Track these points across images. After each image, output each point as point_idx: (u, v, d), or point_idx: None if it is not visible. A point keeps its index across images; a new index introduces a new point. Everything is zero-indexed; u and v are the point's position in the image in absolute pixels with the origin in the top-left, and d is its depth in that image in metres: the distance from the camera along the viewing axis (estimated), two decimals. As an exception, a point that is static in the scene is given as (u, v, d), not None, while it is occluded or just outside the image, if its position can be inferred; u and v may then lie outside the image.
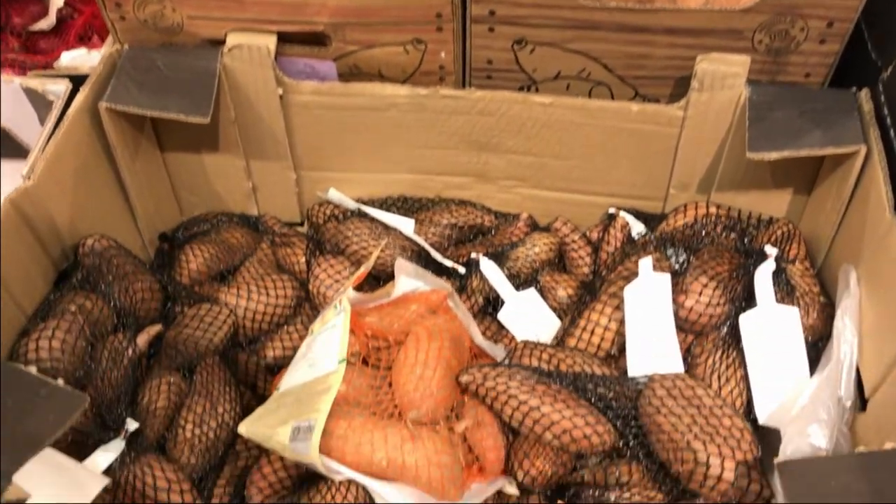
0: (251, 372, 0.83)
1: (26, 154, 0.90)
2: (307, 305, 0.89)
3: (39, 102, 0.89)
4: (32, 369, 0.61)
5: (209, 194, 0.95)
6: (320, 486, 0.68)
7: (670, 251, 0.80)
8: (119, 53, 0.82)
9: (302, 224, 1.00)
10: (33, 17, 1.07)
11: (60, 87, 0.86)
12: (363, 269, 0.76)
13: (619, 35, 0.79)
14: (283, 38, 0.83)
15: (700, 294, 0.73)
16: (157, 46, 0.83)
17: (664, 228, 0.84)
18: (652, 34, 0.79)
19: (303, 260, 0.91)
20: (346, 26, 0.81)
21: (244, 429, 0.70)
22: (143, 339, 0.73)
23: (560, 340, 0.78)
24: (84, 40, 1.10)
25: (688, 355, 0.74)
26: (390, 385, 0.73)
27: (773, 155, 0.73)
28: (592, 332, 0.75)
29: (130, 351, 0.71)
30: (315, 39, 0.83)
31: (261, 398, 0.79)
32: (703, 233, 0.79)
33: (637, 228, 0.87)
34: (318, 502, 0.67)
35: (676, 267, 0.78)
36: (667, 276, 0.74)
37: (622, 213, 0.89)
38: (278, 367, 0.84)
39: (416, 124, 0.87)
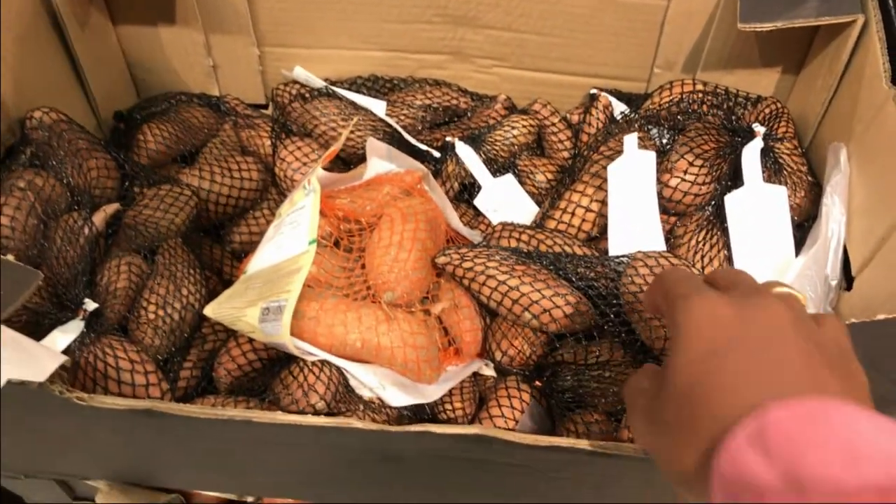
0: (216, 257, 0.79)
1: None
2: (274, 190, 0.85)
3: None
4: (-21, 244, 0.57)
5: (166, 72, 0.89)
6: (292, 368, 0.66)
7: (654, 130, 0.77)
8: None
9: (266, 106, 0.94)
10: None
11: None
12: (333, 149, 0.71)
13: None
14: None
15: (685, 172, 0.70)
16: None
17: (648, 107, 0.80)
18: None
19: (268, 142, 0.86)
20: None
21: (210, 311, 0.67)
22: (99, 218, 0.68)
23: (539, 224, 0.76)
24: None
25: (670, 236, 0.72)
26: (363, 267, 0.70)
27: (766, 26, 0.69)
28: (573, 214, 0.72)
29: (87, 229, 0.67)
30: None
31: (227, 284, 0.76)
32: (689, 111, 0.76)
33: (620, 109, 0.84)
34: (289, 383, 0.64)
35: (661, 146, 0.75)
36: (652, 154, 0.71)
37: (604, 94, 0.85)
38: (244, 253, 0.80)
39: (388, -5, 0.81)
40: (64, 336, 0.61)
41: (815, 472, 0.29)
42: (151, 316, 0.66)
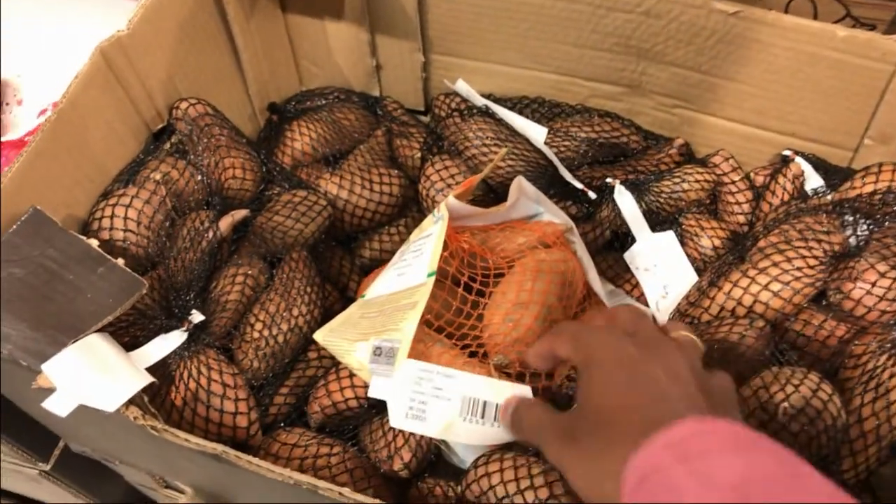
0: (345, 271, 0.76)
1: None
2: (415, 208, 0.81)
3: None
4: (94, 242, 0.56)
5: (331, 67, 0.86)
6: (383, 420, 0.61)
7: (848, 219, 0.65)
8: None
9: (425, 113, 0.90)
10: None
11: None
12: (473, 178, 0.66)
13: (841, -65, 0.62)
14: None
15: (874, 284, 0.58)
16: None
17: (846, 191, 0.68)
18: (886, -61, 0.61)
19: (418, 154, 0.82)
20: None
21: (321, 336, 0.64)
22: (225, 223, 0.67)
23: (691, 304, 0.66)
24: None
25: (844, 352, 0.60)
26: (478, 319, 0.63)
27: None
28: (733, 312, 0.62)
29: (211, 233, 0.65)
30: None
31: (348, 301, 0.72)
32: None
33: (813, 182, 0.72)
34: (377, 438, 0.60)
35: (852, 241, 0.63)
36: None
37: (798, 159, 0.73)
38: (373, 270, 0.77)
39: (568, 16, 0.73)
40: (164, 345, 0.60)
41: (722, 471, 0.35)
42: (256, 335, 0.63)
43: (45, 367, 0.49)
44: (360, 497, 0.48)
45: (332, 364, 0.66)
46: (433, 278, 0.60)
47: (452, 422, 0.57)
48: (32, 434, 0.73)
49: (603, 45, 0.75)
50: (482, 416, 0.57)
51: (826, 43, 0.66)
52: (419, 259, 0.62)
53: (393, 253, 0.72)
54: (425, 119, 0.88)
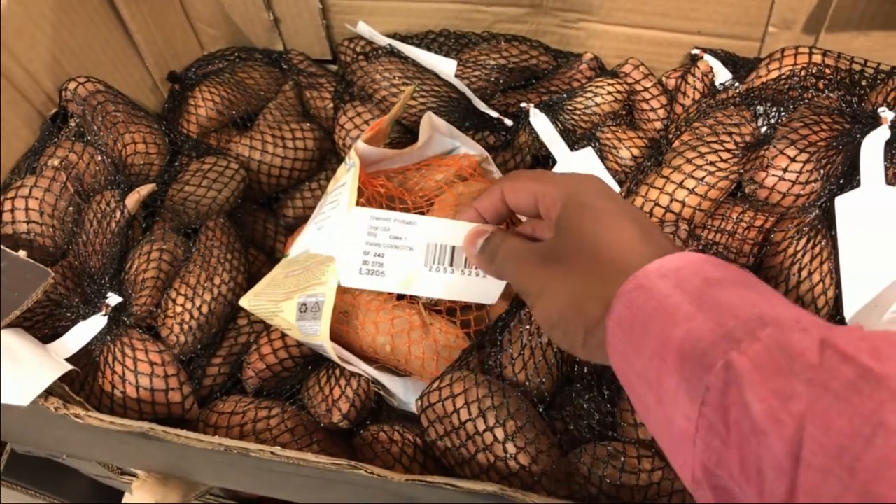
0: (270, 233, 0.75)
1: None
2: (334, 159, 0.79)
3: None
4: (-7, 237, 0.54)
5: (228, 26, 0.83)
6: (320, 375, 0.61)
7: (759, 108, 0.64)
8: None
9: (333, 62, 0.87)
10: None
11: None
12: (378, 120, 0.64)
13: None
14: None
15: (785, 170, 0.58)
16: None
17: (752, 81, 0.67)
18: None
19: (330, 105, 0.80)
20: None
21: (246, 302, 0.63)
22: (132, 200, 0.65)
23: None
24: None
25: (766, 243, 0.60)
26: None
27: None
28: (654, 205, 0.62)
29: (118, 213, 0.64)
30: None
31: (276, 263, 0.71)
32: (801, 88, 0.63)
33: (722, 76, 0.71)
34: (315, 394, 0.60)
35: (764, 129, 0.63)
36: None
37: (707, 57, 0.73)
38: (297, 228, 0.75)
39: (456, -58, 0.71)
40: (86, 332, 0.59)
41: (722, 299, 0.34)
42: (179, 310, 0.62)
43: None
44: (291, 453, 0.47)
45: (263, 328, 0.66)
46: (353, 225, 0.59)
47: (415, 273, 0.57)
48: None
49: (499, -34, 0.73)
50: (450, 264, 0.57)
51: (717, -68, 0.65)
52: (337, 210, 0.61)
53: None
54: (334, 68, 0.86)
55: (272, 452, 0.48)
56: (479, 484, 0.46)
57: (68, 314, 0.59)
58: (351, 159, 0.62)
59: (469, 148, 0.69)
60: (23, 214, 0.61)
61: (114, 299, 0.60)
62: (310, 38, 0.84)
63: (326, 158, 0.79)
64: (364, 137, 0.63)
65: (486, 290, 0.58)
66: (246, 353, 0.64)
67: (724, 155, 0.61)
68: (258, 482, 0.51)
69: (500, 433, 0.51)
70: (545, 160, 0.75)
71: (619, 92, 0.75)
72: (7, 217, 0.61)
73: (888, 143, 0.57)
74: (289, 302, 0.59)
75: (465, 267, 0.57)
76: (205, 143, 0.73)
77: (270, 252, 0.74)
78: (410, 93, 0.72)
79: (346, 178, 0.62)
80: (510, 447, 0.51)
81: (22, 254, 0.54)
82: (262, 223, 0.75)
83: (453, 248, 0.56)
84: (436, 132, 0.68)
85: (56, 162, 0.64)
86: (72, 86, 0.67)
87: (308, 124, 0.77)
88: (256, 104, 0.80)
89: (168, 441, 0.49)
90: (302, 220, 0.76)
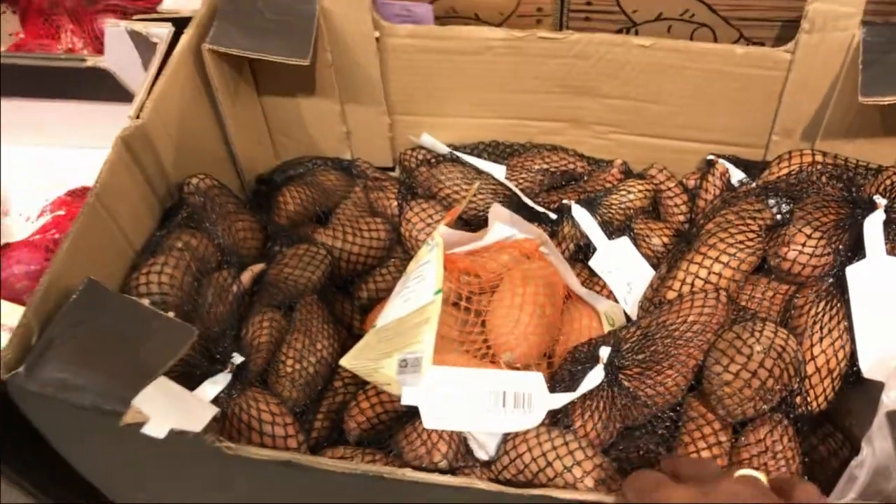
0: (346, 312, 0.85)
1: (129, 97, 0.93)
2: (399, 249, 0.90)
3: (143, 46, 0.91)
4: (145, 301, 0.63)
5: (304, 138, 0.96)
6: (416, 424, 0.70)
7: (772, 201, 0.77)
8: (220, -4, 0.84)
9: (393, 169, 1.00)
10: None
11: (164, 31, 0.87)
12: (456, 208, 0.76)
13: (725, -26, 0.77)
14: (381, -19, 0.83)
15: (803, 245, 0.71)
16: (256, -12, 0.84)
17: (767, 177, 0.81)
18: (761, -26, 0.76)
19: (395, 203, 0.92)
20: (446, -33, 0.80)
21: (346, 362, 0.72)
22: (247, 277, 0.75)
23: (655, 290, 0.77)
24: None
25: (789, 306, 0.72)
26: (482, 326, 0.73)
27: (889, 99, 0.70)
28: (692, 286, 0.73)
29: (235, 287, 0.74)
30: (413, -19, 0.83)
31: (356, 338, 0.81)
32: (808, 181, 0.77)
33: (737, 176, 0.85)
34: (413, 440, 0.68)
35: (779, 217, 0.76)
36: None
37: (721, 161, 0.86)
38: (371, 308, 0.85)
39: (511, 68, 0.86)
40: (213, 387, 0.67)
41: None
42: (289, 369, 0.71)
43: (135, 401, 0.55)
44: (419, 475, 0.56)
45: (357, 388, 0.75)
46: (440, 295, 0.69)
47: (478, 414, 0.66)
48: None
49: (544, 88, 0.87)
50: (503, 405, 0.66)
51: (729, 60, 0.80)
52: (422, 284, 0.72)
53: (387, 290, 0.82)
54: (393, 173, 0.99)
55: (403, 474, 0.56)
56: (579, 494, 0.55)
57: (197, 373, 0.68)
58: (433, 240, 0.73)
59: (528, 233, 0.81)
60: (156, 287, 0.71)
61: (238, 358, 0.69)
62: (376, 147, 0.97)
63: (392, 249, 0.90)
64: (444, 221, 0.75)
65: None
66: (342, 410, 0.73)
67: (751, 235, 0.73)
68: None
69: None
70: (586, 248, 0.87)
71: (647, 190, 0.88)
72: (143, 289, 0.71)
73: (885, 223, 0.70)
74: (388, 359, 0.69)
75: (514, 406, 0.66)
76: (296, 234, 0.84)
77: (349, 328, 0.84)
78: (476, 189, 0.85)
79: (430, 257, 0.73)
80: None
81: (171, 314, 0.64)
82: (341, 304, 0.85)
83: (504, 392, 0.65)
84: (497, 221, 0.80)
85: (180, 244, 0.74)
86: (194, 181, 0.78)
87: (379, 219, 0.89)
88: (333, 203, 0.92)
89: (308, 468, 0.58)
90: (374, 301, 0.86)
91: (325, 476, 0.58)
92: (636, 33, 0.84)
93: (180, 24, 0.84)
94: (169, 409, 0.57)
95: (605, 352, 0.67)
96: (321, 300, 0.79)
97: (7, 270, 0.86)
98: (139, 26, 0.90)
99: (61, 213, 0.91)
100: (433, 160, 0.93)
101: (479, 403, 0.66)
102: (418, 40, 0.85)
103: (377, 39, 0.85)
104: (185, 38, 0.80)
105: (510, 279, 0.75)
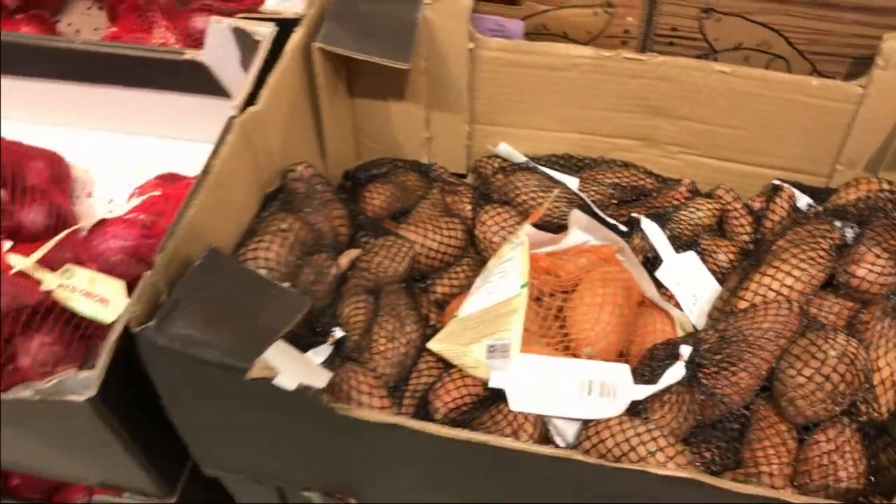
0: (423, 305, 0.89)
1: (223, 93, 0.98)
2: (472, 250, 0.95)
3: (245, 43, 0.96)
4: (262, 271, 0.68)
5: (387, 140, 1.01)
6: (500, 406, 0.74)
7: (838, 223, 0.82)
8: (328, -1, 0.89)
9: (466, 176, 1.05)
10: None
11: (267, 30, 0.93)
12: (538, 210, 0.81)
13: (804, 9, 0.83)
14: (480, -4, 0.88)
15: (873, 264, 0.75)
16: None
17: (835, 201, 0.86)
18: (839, 10, 0.82)
19: (469, 208, 0.97)
20: (542, -14, 0.86)
21: (435, 345, 0.77)
22: (345, 260, 0.80)
23: (726, 301, 0.82)
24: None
25: (854, 321, 0.76)
26: (562, 323, 0.77)
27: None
28: (764, 297, 0.78)
29: (334, 269, 0.79)
30: (509, -2, 0.89)
31: (433, 330, 0.85)
32: (876, 207, 0.82)
33: (802, 201, 0.90)
34: (499, 420, 0.72)
35: (847, 239, 0.81)
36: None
37: (787, 185, 0.91)
38: (445, 303, 0.90)
39: (595, 85, 0.91)
40: (316, 358, 0.72)
41: None
42: (382, 348, 0.76)
43: (264, 356, 0.60)
44: (532, 447, 0.60)
45: (441, 371, 0.79)
46: (526, 289, 0.74)
47: (564, 400, 0.71)
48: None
49: (623, 106, 0.93)
50: (588, 393, 0.70)
51: (803, 91, 0.85)
52: (506, 279, 0.77)
53: (461, 287, 0.87)
54: (468, 181, 1.04)
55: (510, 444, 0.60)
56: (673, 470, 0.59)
57: (300, 344, 0.72)
58: (518, 238, 0.78)
59: (604, 240, 0.85)
60: (263, 262, 0.75)
61: (339, 332, 0.73)
62: (453, 154, 1.02)
63: (466, 250, 0.95)
64: (530, 221, 0.80)
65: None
66: (427, 391, 0.77)
67: (821, 253, 0.78)
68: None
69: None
70: (654, 260, 0.91)
71: (715, 209, 0.93)
72: (251, 264, 0.75)
73: (948, 248, 0.75)
74: (477, 344, 0.74)
75: (599, 395, 0.71)
76: (382, 227, 0.89)
77: (425, 319, 0.88)
78: (556, 195, 0.90)
79: (513, 255, 0.78)
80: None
81: (286, 285, 0.69)
82: (417, 296, 0.89)
83: (590, 381, 0.70)
84: (577, 226, 0.85)
85: (284, 225, 0.79)
86: (299, 168, 0.83)
87: (457, 219, 0.94)
88: (412, 202, 0.97)
89: (416, 432, 0.62)
90: (449, 297, 0.90)
91: (430, 440, 0.62)
92: (715, 60, 0.89)
93: (282, 24, 0.90)
94: (293, 368, 0.61)
95: (686, 350, 0.71)
96: (406, 289, 0.84)
97: (104, 244, 0.91)
98: (244, 24, 0.95)
99: (157, 193, 0.96)
100: (509, 168, 0.98)
101: (565, 390, 0.70)
102: (509, 54, 0.91)
103: (470, 51, 0.90)
104: (295, 37, 0.85)
105: (590, 280, 0.79)
